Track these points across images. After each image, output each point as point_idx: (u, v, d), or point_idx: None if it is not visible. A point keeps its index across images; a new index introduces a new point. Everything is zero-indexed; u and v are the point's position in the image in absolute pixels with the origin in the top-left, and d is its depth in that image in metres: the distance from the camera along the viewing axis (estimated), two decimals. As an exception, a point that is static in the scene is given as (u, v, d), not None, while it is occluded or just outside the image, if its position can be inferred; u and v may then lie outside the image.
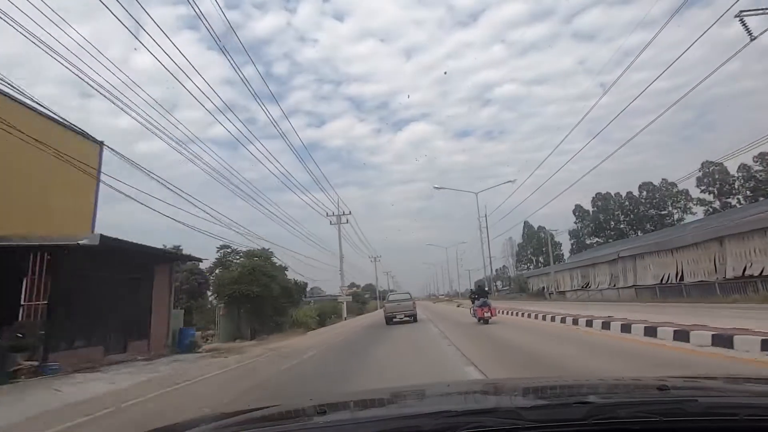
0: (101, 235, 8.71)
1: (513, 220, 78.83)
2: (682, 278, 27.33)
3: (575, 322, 11.54)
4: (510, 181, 32.30)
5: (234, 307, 18.19)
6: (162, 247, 35.28)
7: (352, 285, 71.29)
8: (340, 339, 15.07)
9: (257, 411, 1.44)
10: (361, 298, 61.05)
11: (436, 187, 35.42)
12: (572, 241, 70.13)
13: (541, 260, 71.55)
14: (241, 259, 19.21)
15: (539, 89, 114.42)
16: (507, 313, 20.63)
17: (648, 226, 62.53)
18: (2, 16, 7.64)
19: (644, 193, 65.90)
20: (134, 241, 10.91)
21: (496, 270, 75.51)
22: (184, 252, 36.63)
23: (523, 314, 17.88)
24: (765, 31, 11.73)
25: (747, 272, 21.73)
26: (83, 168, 10.39)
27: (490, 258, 37.53)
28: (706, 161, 56.49)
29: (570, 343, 8.61)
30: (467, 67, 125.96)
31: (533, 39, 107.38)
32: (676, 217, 62.88)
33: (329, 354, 10.54)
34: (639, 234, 57.67)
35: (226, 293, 17.61)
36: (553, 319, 13.55)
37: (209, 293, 21.59)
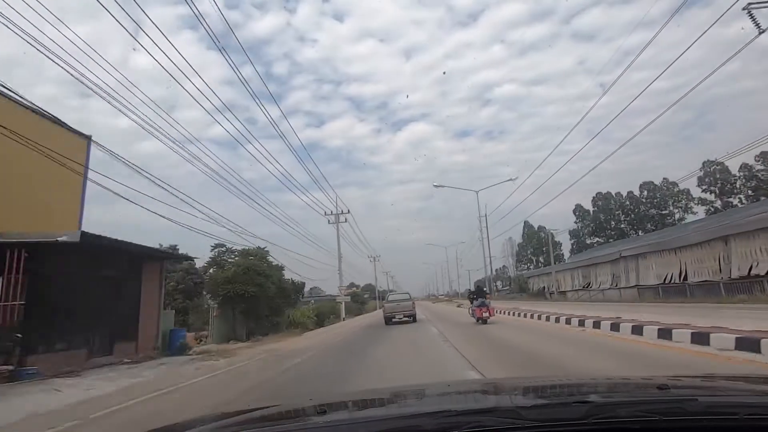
0: (82, 232, 8.22)
1: (513, 220, 78.48)
2: (685, 278, 26.95)
3: (581, 323, 11.06)
4: (511, 179, 31.84)
5: (228, 308, 17.71)
6: (158, 246, 34.90)
7: (352, 285, 70.90)
8: (338, 340, 14.73)
9: (257, 411, 1.43)
10: (360, 299, 60.59)
11: (436, 185, 34.95)
12: (572, 241, 69.74)
13: (541, 260, 71.17)
14: (236, 258, 18.71)
15: (539, 89, 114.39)
16: (508, 313, 20.17)
17: (649, 225, 62.21)
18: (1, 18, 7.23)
19: (645, 192, 65.52)
20: (122, 239, 10.43)
21: (496, 270, 75.15)
22: (180, 252, 36.54)
23: (524, 315, 17.41)
24: (765, 30, 11.55)
25: (753, 272, 21.32)
26: (65, 162, 9.88)
27: (490, 258, 37.04)
28: (708, 160, 56.11)
29: (579, 347, 8.22)
30: (467, 67, 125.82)
31: (533, 39, 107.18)
32: (677, 216, 62.53)
33: (325, 356, 10.10)
34: (640, 234, 57.34)
35: (220, 293, 17.11)
36: (557, 320, 13.07)
37: (204, 293, 21.08)
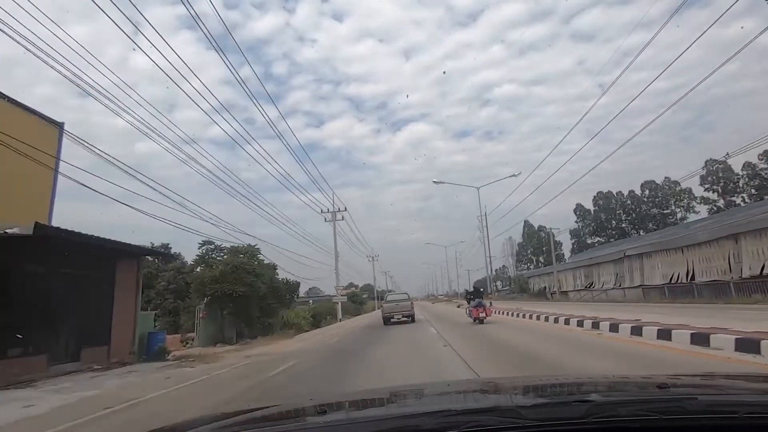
0: (36, 224, 7.23)
1: (512, 220, 77.77)
2: (693, 278, 26.14)
3: (595, 325, 10.10)
4: (514, 175, 30.99)
5: (216, 309, 16.71)
6: (149, 245, 33.87)
7: (351, 285, 70.06)
8: (333, 342, 13.98)
9: (257, 411, 1.43)
10: (359, 299, 59.63)
11: (436, 182, 33.97)
12: (573, 240, 69.00)
13: (542, 260, 70.45)
14: (225, 256, 17.70)
15: (538, 89, 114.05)
16: (509, 314, 19.24)
17: (650, 225, 61.56)
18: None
19: (647, 191, 64.80)
20: (92, 234, 9.44)
21: (496, 270, 74.24)
22: (174, 251, 35.55)
23: (527, 316, 16.47)
24: (765, 30, 11.23)
25: (765, 271, 20.47)
26: (27, 151, 8.89)
27: (490, 257, 36.15)
28: (710, 159, 55.52)
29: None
30: (466, 67, 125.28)
31: (532, 39, 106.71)
32: (679, 216, 61.87)
33: (316, 362, 9.19)
34: (641, 233, 56.65)
35: (207, 293, 16.11)
36: (566, 322, 12.12)
37: (190, 294, 20.10)
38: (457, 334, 11.75)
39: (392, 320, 19.23)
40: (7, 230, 6.97)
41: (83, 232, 8.68)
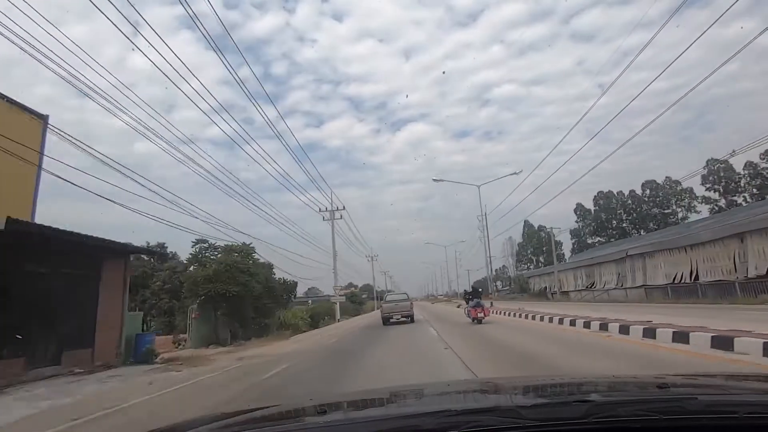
0: (8, 219, 6.74)
1: (512, 220, 77.32)
2: (697, 277, 25.73)
3: (603, 327, 9.62)
4: (515, 173, 30.51)
5: (209, 309, 16.21)
6: (144, 244, 33.30)
7: (350, 285, 69.59)
8: (330, 343, 13.53)
9: (257, 411, 1.42)
10: (358, 299, 59.15)
11: (435, 180, 33.44)
12: (573, 240, 68.61)
13: (542, 260, 70.05)
14: (219, 255, 17.20)
15: (538, 90, 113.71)
16: (512, 314, 18.76)
17: (651, 225, 61.21)
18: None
19: (647, 191, 64.43)
20: (78, 232, 8.96)
21: (496, 270, 73.78)
22: (171, 251, 35.02)
23: (530, 316, 15.99)
24: (765, 30, 11.10)
25: (773, 271, 20.05)
26: (7, 145, 8.40)
27: (490, 257, 35.69)
28: (711, 158, 55.17)
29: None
30: (466, 67, 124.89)
31: (532, 39, 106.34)
32: (680, 215, 61.51)
33: (310, 364, 8.74)
34: (642, 233, 56.29)
35: (200, 293, 15.61)
36: (572, 323, 11.64)
37: (183, 294, 19.61)
38: (458, 335, 11.51)
39: (391, 320, 19.19)
40: (-24, 225, 6.49)
41: (84, 232, 8.30)
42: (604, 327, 9.59)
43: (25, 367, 8.17)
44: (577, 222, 67.67)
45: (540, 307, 22.89)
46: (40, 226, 7.69)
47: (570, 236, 67.25)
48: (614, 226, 65.83)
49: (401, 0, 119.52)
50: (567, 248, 68.00)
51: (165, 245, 37.35)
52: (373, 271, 64.21)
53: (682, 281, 26.97)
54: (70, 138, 10.66)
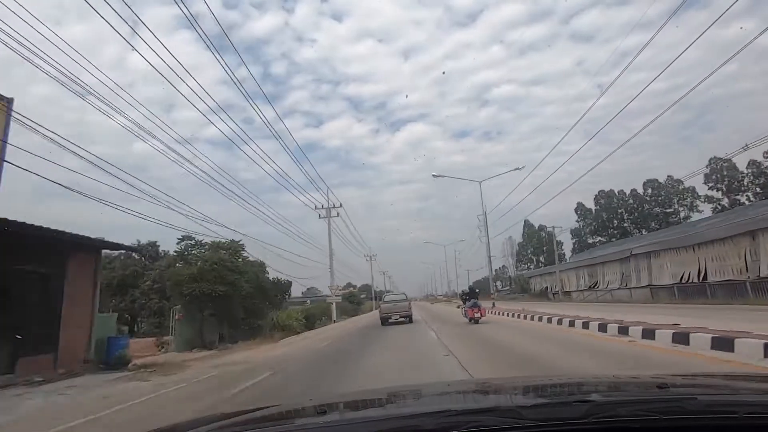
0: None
1: (512, 220, 76.43)
2: (705, 277, 24.89)
3: (623, 331, 8.66)
4: (518, 168, 29.61)
5: (195, 310, 15.21)
6: (135, 243, 32.24)
7: (349, 285, 68.68)
8: (322, 347, 12.67)
9: (257, 411, 1.42)
10: (356, 299, 58.24)
11: (435, 175, 32.55)
12: (574, 240, 67.81)
13: (542, 260, 69.25)
14: (206, 251, 16.19)
15: (537, 90, 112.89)
16: (515, 315, 17.80)
17: (653, 224, 60.47)
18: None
19: (649, 190, 63.63)
20: (19, 221, 7.95)
21: (496, 270, 72.85)
22: (164, 249, 33.96)
23: (535, 318, 15.04)
24: (765, 30, 10.85)
25: (788, 270, 19.20)
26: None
27: (490, 257, 34.76)
28: (714, 157, 54.47)
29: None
30: (466, 67, 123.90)
31: (532, 40, 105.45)
32: (682, 215, 60.76)
33: (297, 372, 7.83)
34: (643, 233, 55.58)
35: (184, 293, 14.62)
36: (585, 325, 10.67)
37: (167, 294, 18.64)
38: (459, 337, 10.99)
39: (390, 320, 19.21)
40: None
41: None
42: (623, 331, 8.63)
43: (-33, 377, 7.18)
44: (577, 221, 66.82)
45: (543, 307, 21.97)
46: (3, 220, 6.72)
47: (570, 236, 66.45)
48: (615, 225, 65.09)
49: (401, 0, 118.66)
50: (567, 248, 67.19)
51: (157, 243, 36.45)
52: (372, 271, 63.30)
53: (690, 281, 26.13)
54: (34, 124, 9.65)
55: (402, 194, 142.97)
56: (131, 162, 63.61)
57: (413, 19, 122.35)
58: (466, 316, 15.96)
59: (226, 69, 15.45)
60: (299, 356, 10.35)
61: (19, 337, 7.78)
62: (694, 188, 59.29)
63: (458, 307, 33.25)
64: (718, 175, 56.57)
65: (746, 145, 22.65)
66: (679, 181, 58.46)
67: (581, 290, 40.00)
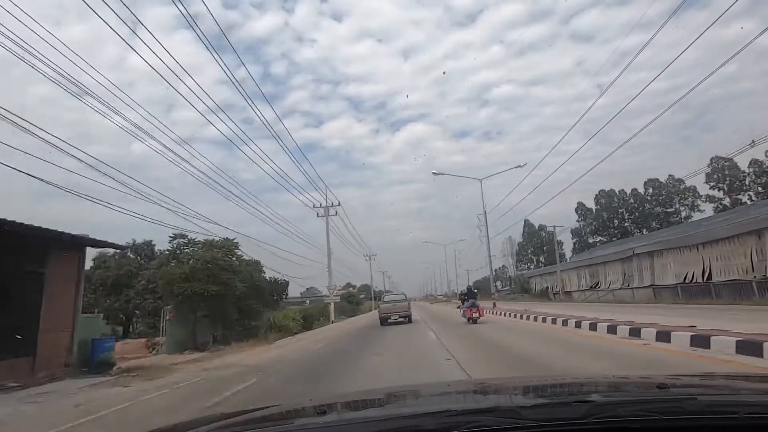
0: None
1: (512, 220, 76.00)
2: (710, 277, 24.43)
3: (634, 333, 8.17)
4: (519, 166, 29.14)
5: (187, 310, 14.71)
6: (130, 242, 31.68)
7: (348, 285, 68.21)
8: (317, 348, 12.19)
9: (257, 411, 1.43)
10: (355, 299, 57.72)
11: (435, 173, 32.09)
12: (574, 240, 67.39)
13: (542, 260, 68.82)
14: (199, 250, 15.69)
15: (537, 90, 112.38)
16: (517, 316, 17.33)
17: (654, 224, 60.09)
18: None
19: (650, 190, 63.23)
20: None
21: (496, 270, 72.33)
22: (159, 249, 33.42)
23: (538, 318, 14.56)
24: (765, 30, 10.75)
25: (795, 269, 18.76)
26: None
27: (490, 256, 34.32)
28: (715, 156, 54.11)
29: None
30: (465, 67, 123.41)
31: (531, 40, 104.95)
32: (683, 214, 60.38)
33: (284, 378, 7.34)
34: (644, 232, 55.19)
35: (175, 292, 14.12)
36: (592, 327, 10.18)
37: (158, 294, 18.16)
38: (459, 339, 10.73)
39: (389, 321, 19.36)
40: None
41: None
42: (635, 332, 8.15)
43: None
44: (578, 221, 66.36)
45: (546, 307, 21.50)
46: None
47: (571, 236, 65.99)
48: (616, 225, 64.69)
49: (400, 0, 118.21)
50: (568, 248, 66.75)
51: (152, 243, 35.85)
52: (371, 271, 62.79)
53: (694, 281, 25.69)
54: (32, 127, 9.16)
55: (402, 194, 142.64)
56: (131, 161, 63.23)
57: (413, 19, 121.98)
58: (465, 316, 16.09)
59: (225, 69, 15.03)
60: (291, 360, 9.84)
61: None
62: (695, 188, 58.94)
63: (458, 307, 32.83)
64: (720, 175, 56.20)
65: (753, 142, 22.20)
66: (680, 181, 58.11)
67: (582, 290, 39.55)
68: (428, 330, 14.39)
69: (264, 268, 23.10)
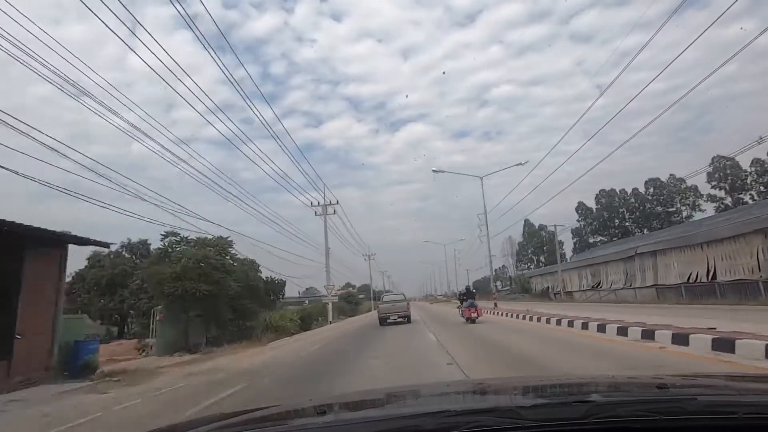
0: None
1: (512, 219, 75.59)
2: (714, 276, 23.98)
3: (646, 335, 7.68)
4: (520, 163, 28.76)
5: (178, 310, 14.22)
6: (125, 241, 31.14)
7: (348, 285, 67.74)
8: (313, 350, 11.75)
9: (257, 411, 1.43)
10: (354, 299, 57.22)
11: (435, 170, 31.63)
12: (575, 239, 66.99)
13: (542, 259, 68.40)
14: (191, 247, 15.18)
15: (536, 90, 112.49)
16: (521, 317, 16.85)
17: (655, 223, 59.70)
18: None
19: (651, 189, 62.81)
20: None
21: (496, 270, 71.94)
22: (153, 247, 32.91)
23: (542, 319, 14.08)
24: (765, 30, 10.65)
25: (804, 269, 18.31)
26: None
27: (491, 255, 33.87)
28: (717, 155, 53.72)
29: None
30: (465, 67, 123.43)
31: (531, 40, 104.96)
32: (684, 214, 59.99)
33: (273, 385, 6.85)
34: (645, 232, 54.78)
35: (165, 292, 13.63)
36: (601, 329, 9.68)
37: (148, 293, 17.68)
38: (459, 340, 10.52)
39: (388, 321, 19.54)
40: None
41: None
42: (648, 335, 7.66)
43: None
44: (578, 221, 65.93)
45: (549, 308, 21.03)
46: None
47: (571, 235, 65.59)
48: (617, 225, 64.31)
49: (400, 0, 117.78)
50: (568, 248, 66.40)
51: (148, 242, 35.30)
52: (370, 270, 62.32)
53: (698, 281, 25.24)
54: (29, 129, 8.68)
55: (402, 194, 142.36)
56: (131, 161, 62.96)
57: (412, 19, 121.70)
58: (463, 316, 16.31)
59: (223, 69, 14.67)
60: (285, 362, 9.35)
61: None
62: (696, 187, 58.55)
63: (457, 308, 32.39)
64: (721, 174, 55.80)
65: (761, 138, 21.76)
66: (682, 180, 57.71)
67: (584, 290, 39.10)
68: (427, 330, 14.06)
69: (261, 268, 22.79)
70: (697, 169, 62.02)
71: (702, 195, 57.98)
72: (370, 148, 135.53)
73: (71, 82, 9.81)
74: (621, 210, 64.84)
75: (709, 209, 54.35)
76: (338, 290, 44.41)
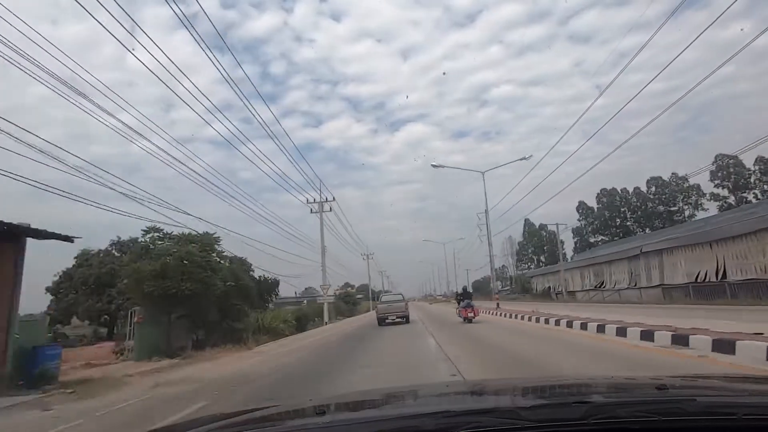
0: None
1: (511, 219, 74.80)
2: (724, 276, 23.09)
3: (678, 340, 6.71)
4: (524, 158, 27.78)
5: (159, 311, 13.22)
6: (114, 239, 30.10)
7: (347, 285, 66.81)
8: (303, 354, 10.93)
9: (257, 411, 1.43)
10: (352, 299, 56.24)
11: (434, 165, 30.64)
12: (575, 239, 66.11)
13: (543, 259, 67.60)
14: (174, 243, 14.19)
15: (536, 90, 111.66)
16: (525, 318, 15.90)
17: (657, 222, 58.91)
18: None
19: (653, 188, 61.98)
20: None
21: (496, 270, 71.11)
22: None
23: (550, 321, 13.14)
24: (765, 30, 10.68)
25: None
26: None
27: (491, 254, 32.94)
28: (720, 154, 52.94)
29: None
30: (464, 67, 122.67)
31: (530, 40, 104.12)
32: (687, 213, 59.18)
33: (243, 402, 5.82)
34: (647, 231, 54.00)
35: (144, 291, 12.63)
36: (622, 332, 8.73)
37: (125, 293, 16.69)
38: (461, 344, 10.03)
39: (387, 321, 19.73)
40: None
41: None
42: (680, 340, 6.69)
43: None
44: (579, 220, 65.07)
45: (552, 308, 20.09)
46: None
47: (572, 235, 64.73)
48: (618, 224, 63.50)
49: (399, 0, 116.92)
50: (569, 247, 65.59)
51: (138, 240, 34.26)
52: (369, 270, 61.37)
53: (707, 280, 24.35)
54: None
55: (401, 194, 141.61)
56: (132, 161, 62.20)
57: (412, 19, 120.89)
58: (460, 316, 16.86)
59: (221, 70, 13.82)
60: (259, 375, 8.13)
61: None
62: (699, 186, 57.75)
63: (456, 308, 31.51)
64: (724, 172, 55.04)
65: (744, 148, 20.87)
66: (684, 179, 56.88)
67: (586, 290, 38.18)
68: (426, 331, 13.60)
69: (254, 267, 21.83)
70: (700, 168, 61.20)
71: (705, 194, 57.18)
72: (370, 148, 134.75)
73: (70, 85, 9.75)
74: (622, 209, 64.03)
75: (712, 208, 53.67)
76: (336, 290, 43.50)
